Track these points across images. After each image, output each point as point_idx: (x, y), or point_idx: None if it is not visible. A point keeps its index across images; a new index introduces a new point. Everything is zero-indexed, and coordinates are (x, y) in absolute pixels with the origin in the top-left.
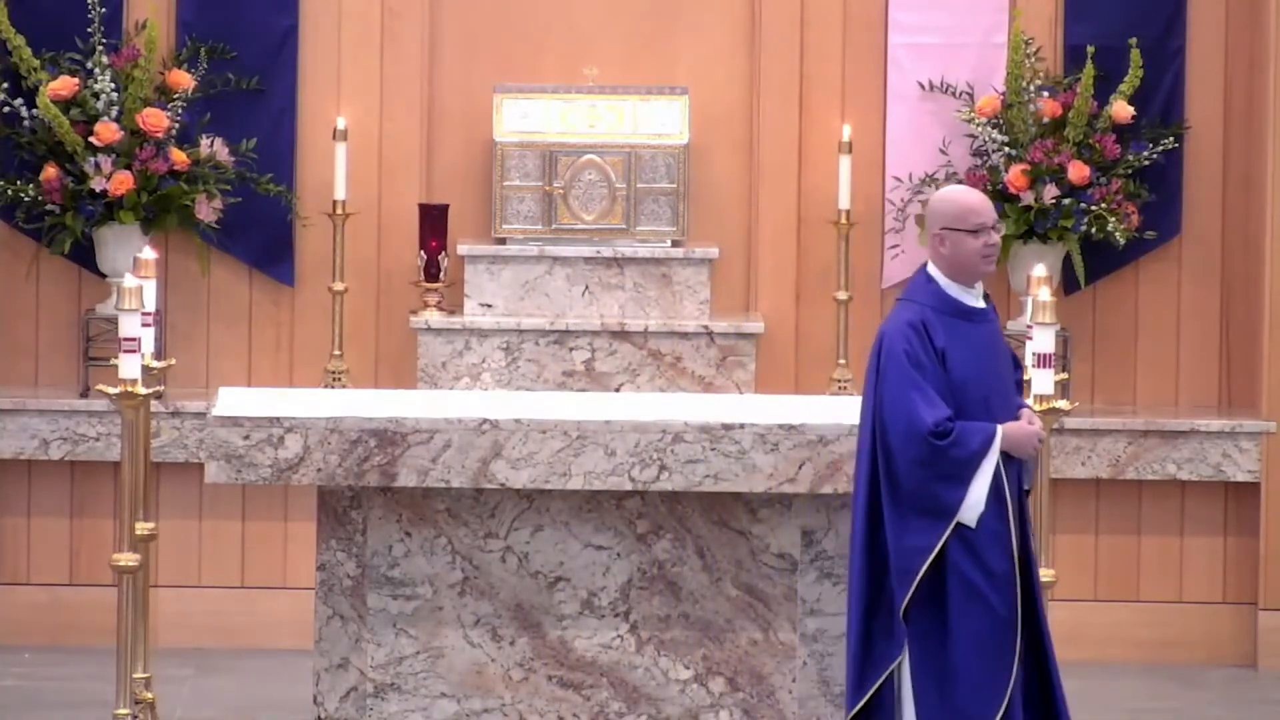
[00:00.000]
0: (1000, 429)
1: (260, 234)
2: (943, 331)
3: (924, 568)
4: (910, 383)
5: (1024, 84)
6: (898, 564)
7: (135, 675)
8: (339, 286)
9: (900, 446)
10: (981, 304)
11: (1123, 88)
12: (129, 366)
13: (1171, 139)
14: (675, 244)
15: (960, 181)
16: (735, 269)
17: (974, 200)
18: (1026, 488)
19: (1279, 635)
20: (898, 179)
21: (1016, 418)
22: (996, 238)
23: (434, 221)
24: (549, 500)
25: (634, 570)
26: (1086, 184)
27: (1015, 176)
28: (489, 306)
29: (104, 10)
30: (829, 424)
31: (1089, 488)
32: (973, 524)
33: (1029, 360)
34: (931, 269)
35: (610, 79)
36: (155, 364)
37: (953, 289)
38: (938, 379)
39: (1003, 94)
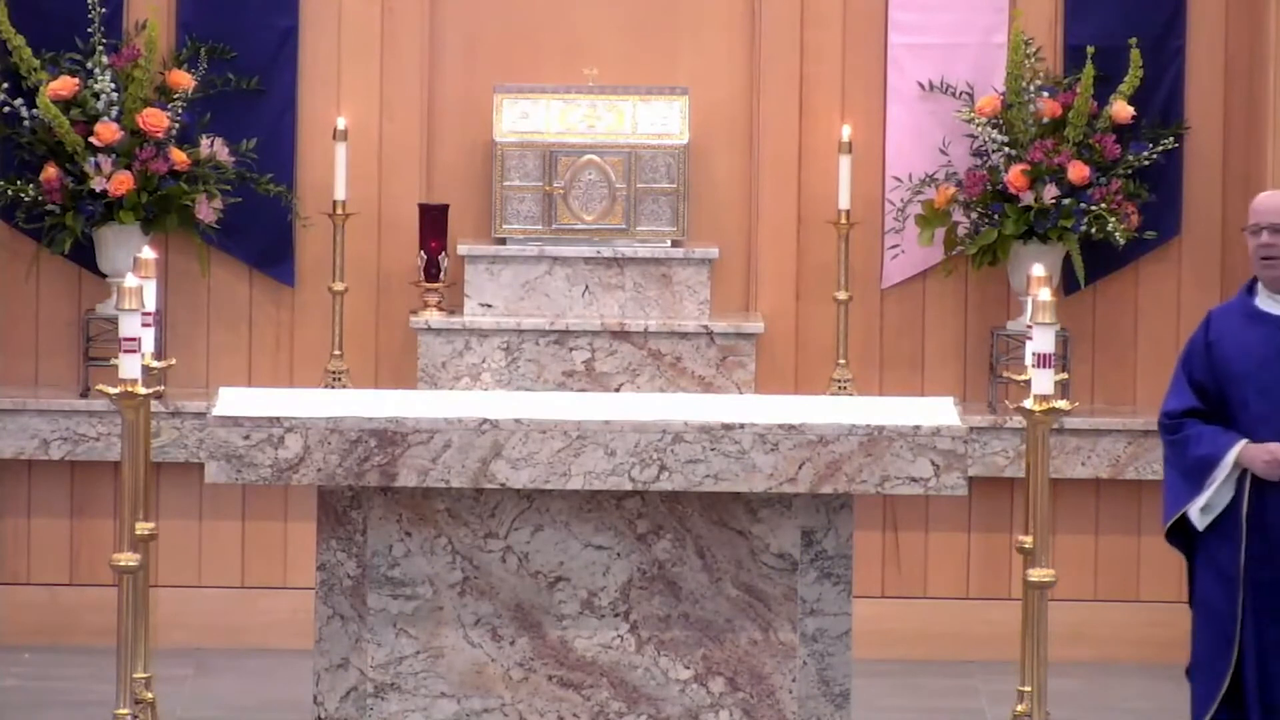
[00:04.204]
0: (1240, 444)
1: (260, 234)
2: (1221, 326)
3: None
4: (1176, 370)
5: (1024, 84)
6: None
7: (135, 675)
8: (339, 286)
9: None
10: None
11: (1123, 88)
12: (129, 366)
13: (1171, 139)
14: (675, 244)
15: (959, 182)
16: (735, 269)
17: (1258, 201)
18: None
19: None
20: (898, 179)
21: None
22: (1267, 238)
23: (434, 221)
24: (549, 500)
25: (634, 570)
26: (1086, 184)
27: (1015, 176)
28: (489, 306)
29: (104, 10)
30: (829, 424)
31: (1089, 488)
32: (1199, 527)
33: (1028, 360)
34: None
35: (610, 79)
36: (155, 364)
37: (1261, 292)
38: (1202, 371)
39: (1003, 94)
